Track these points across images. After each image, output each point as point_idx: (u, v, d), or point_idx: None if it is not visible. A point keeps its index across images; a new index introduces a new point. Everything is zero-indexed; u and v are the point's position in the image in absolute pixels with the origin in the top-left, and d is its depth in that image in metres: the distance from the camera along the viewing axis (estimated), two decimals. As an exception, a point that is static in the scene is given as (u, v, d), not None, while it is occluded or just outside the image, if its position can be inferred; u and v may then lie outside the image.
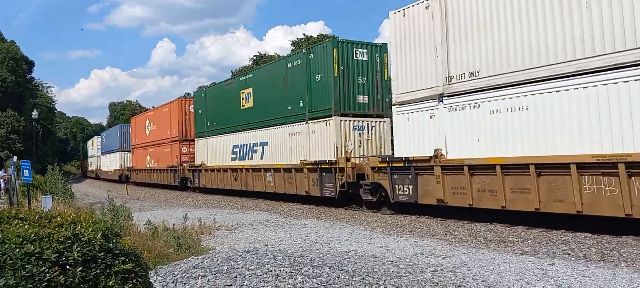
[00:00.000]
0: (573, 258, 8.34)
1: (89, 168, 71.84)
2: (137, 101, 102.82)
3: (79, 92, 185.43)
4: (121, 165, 49.39)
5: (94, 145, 66.95)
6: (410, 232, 11.86)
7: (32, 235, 3.82)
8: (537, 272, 7.23)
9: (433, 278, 6.95)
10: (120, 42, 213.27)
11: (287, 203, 20.00)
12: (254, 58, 55.16)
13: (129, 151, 47.47)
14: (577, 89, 10.29)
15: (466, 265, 7.85)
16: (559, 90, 10.62)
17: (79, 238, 3.95)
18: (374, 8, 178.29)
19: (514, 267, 7.59)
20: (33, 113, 40.78)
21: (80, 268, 3.75)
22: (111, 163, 53.67)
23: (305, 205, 18.96)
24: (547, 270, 7.35)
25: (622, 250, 8.69)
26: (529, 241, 10.02)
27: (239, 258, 8.03)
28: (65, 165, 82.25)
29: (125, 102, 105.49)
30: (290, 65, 20.71)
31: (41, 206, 10.83)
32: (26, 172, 12.73)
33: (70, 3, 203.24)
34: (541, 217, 11.42)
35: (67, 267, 3.73)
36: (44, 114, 57.42)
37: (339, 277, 6.78)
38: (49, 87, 66.95)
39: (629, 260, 8.07)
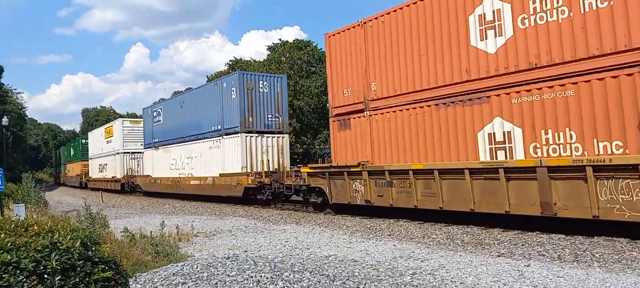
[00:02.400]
0: (548, 259, 8.52)
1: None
2: (111, 107, 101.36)
3: (50, 98, 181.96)
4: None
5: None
6: (389, 235, 11.95)
7: (9, 244, 3.76)
8: (514, 274, 7.37)
9: (412, 281, 7.03)
10: (92, 46, 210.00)
11: (266, 209, 19.95)
12: (230, 63, 54.84)
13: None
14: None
15: (444, 267, 7.96)
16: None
17: (57, 246, 3.90)
18: (349, 13, 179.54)
19: (491, 269, 7.72)
20: (3, 120, 39.81)
21: (59, 277, 3.71)
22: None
23: (284, 210, 18.94)
24: (524, 271, 7.50)
25: (595, 251, 8.92)
26: (505, 243, 10.20)
27: (219, 264, 7.99)
28: (37, 172, 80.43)
29: (98, 108, 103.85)
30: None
31: (14, 215, 10.58)
32: (-2, 180, 12.42)
33: (39, 7, 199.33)
34: (515, 219, 11.66)
35: (46, 276, 3.68)
36: (14, 121, 56.00)
37: (319, 282, 6.81)
38: (19, 93, 65.48)
39: (601, 260, 8.28)
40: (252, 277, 7.05)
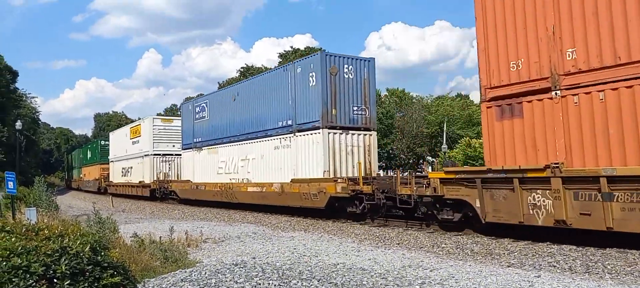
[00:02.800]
0: (559, 271, 8.43)
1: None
2: (122, 112, 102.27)
3: (63, 102, 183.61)
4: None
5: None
6: (398, 244, 11.90)
7: (19, 248, 3.79)
8: (524, 284, 7.29)
9: (421, 290, 6.98)
10: (106, 52, 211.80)
11: (275, 215, 19.94)
12: (241, 70, 55.18)
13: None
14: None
15: (453, 277, 7.89)
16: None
17: (67, 251, 3.93)
18: (361, 22, 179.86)
19: (500, 280, 7.65)
20: (17, 124, 40.24)
21: (68, 282, 3.73)
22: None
23: (293, 217, 18.93)
24: (534, 282, 7.41)
25: (607, 262, 8.81)
26: (515, 253, 10.11)
27: (227, 271, 8.00)
28: (49, 176, 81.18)
29: (111, 113, 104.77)
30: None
31: (26, 218, 10.67)
32: (10, 184, 12.55)
33: (54, 12, 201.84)
34: (528, 229, 11.55)
35: (55, 280, 3.71)
36: (28, 125, 56.70)
37: (327, 290, 6.78)
38: (33, 97, 66.15)
39: (614, 272, 8.18)
40: (259, 284, 7.05)
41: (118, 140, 42.38)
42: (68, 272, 3.77)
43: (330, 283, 7.25)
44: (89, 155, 55.85)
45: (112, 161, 43.87)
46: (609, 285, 7.28)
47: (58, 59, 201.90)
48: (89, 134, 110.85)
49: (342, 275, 8.01)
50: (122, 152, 40.47)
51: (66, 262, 3.81)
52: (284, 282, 7.16)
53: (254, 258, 9.85)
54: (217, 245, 12.12)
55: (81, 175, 60.61)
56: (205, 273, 7.92)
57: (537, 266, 8.83)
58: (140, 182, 35.14)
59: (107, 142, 48.38)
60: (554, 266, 8.77)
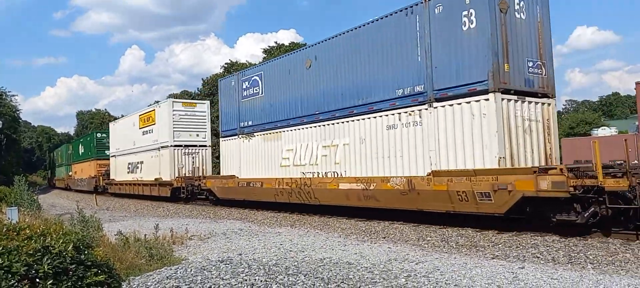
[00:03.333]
0: (542, 262, 8.55)
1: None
2: (105, 110, 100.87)
3: (44, 100, 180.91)
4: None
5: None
6: (384, 238, 11.96)
7: (0, 248, 3.73)
8: (508, 276, 7.38)
9: (407, 283, 7.03)
10: (88, 49, 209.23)
11: (261, 211, 19.91)
12: (225, 66, 54.84)
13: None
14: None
15: (439, 270, 7.96)
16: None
17: (49, 250, 3.88)
18: (345, 16, 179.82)
19: (485, 271, 7.73)
20: (-3, 122, 39.60)
21: (50, 281, 3.69)
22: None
23: (280, 213, 18.91)
24: (518, 274, 7.51)
25: (589, 253, 8.96)
26: (500, 245, 10.22)
27: (213, 268, 7.97)
28: (31, 175, 79.99)
29: (93, 110, 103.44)
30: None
31: (7, 218, 10.51)
32: (-10, 183, 12.33)
33: (34, 9, 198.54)
34: (506, 221, 11.69)
35: (37, 280, 3.66)
36: (8, 123, 55.74)
37: (314, 285, 6.80)
38: (13, 95, 64.93)
39: (595, 262, 8.32)
40: (246, 280, 7.03)
41: (122, 132, 36.17)
42: (51, 272, 3.73)
43: (317, 278, 7.26)
44: (81, 151, 49.53)
45: (113, 156, 37.86)
46: (591, 274, 7.41)
47: (39, 56, 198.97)
48: (72, 132, 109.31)
49: (328, 269, 8.02)
50: (127, 145, 34.49)
51: (48, 261, 3.76)
52: (270, 278, 7.16)
53: (240, 254, 9.83)
54: (203, 242, 12.06)
55: (70, 173, 54.60)
56: (191, 270, 7.88)
57: (521, 257, 8.94)
58: (156, 179, 29.22)
59: (104, 135, 42.89)
60: (538, 257, 8.90)
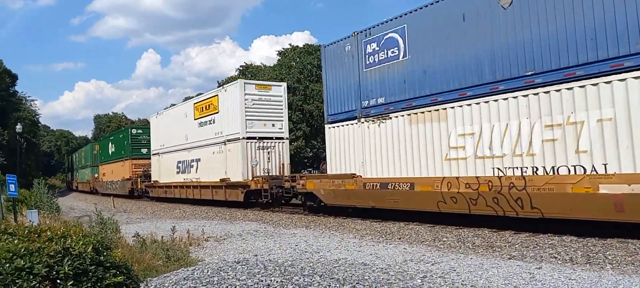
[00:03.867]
0: (560, 262, 8.45)
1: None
2: (122, 113, 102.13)
3: (63, 104, 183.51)
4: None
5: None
6: (400, 239, 11.92)
7: (22, 249, 3.82)
8: (525, 276, 7.32)
9: (423, 284, 7.01)
10: (105, 54, 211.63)
11: (276, 213, 19.97)
12: (240, 68, 55.11)
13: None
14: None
15: (455, 270, 7.92)
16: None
17: (70, 252, 3.96)
18: (360, 18, 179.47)
19: (502, 272, 7.68)
20: (17, 127, 40.30)
21: (71, 282, 3.76)
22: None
23: (294, 215, 18.94)
24: (535, 274, 7.44)
25: (607, 253, 8.84)
26: (517, 246, 10.13)
27: (229, 269, 8.03)
28: (50, 178, 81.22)
29: (110, 114, 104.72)
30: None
31: (28, 220, 10.71)
32: (12, 187, 12.59)
33: (53, 15, 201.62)
34: (528, 222, 11.58)
35: (58, 281, 3.73)
36: (28, 128, 56.69)
37: (330, 286, 6.81)
38: (33, 100, 66.12)
39: (614, 262, 8.20)
40: (262, 281, 7.07)
41: (168, 125, 30.64)
42: (71, 273, 3.80)
43: (332, 279, 7.27)
44: (111, 150, 43.80)
45: (156, 154, 32.29)
46: (610, 275, 7.31)
47: (57, 62, 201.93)
48: (89, 135, 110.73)
49: (343, 270, 8.03)
50: (177, 140, 28.85)
51: (69, 262, 3.84)
52: (286, 279, 7.19)
53: (256, 255, 9.88)
54: (219, 243, 12.15)
55: (97, 175, 49.12)
56: (208, 271, 7.95)
57: (539, 258, 8.85)
58: (222, 180, 23.74)
59: (140, 131, 38.94)
60: (555, 257, 8.80)
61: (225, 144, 23.86)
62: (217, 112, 24.65)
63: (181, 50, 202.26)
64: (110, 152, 44.14)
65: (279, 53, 47.21)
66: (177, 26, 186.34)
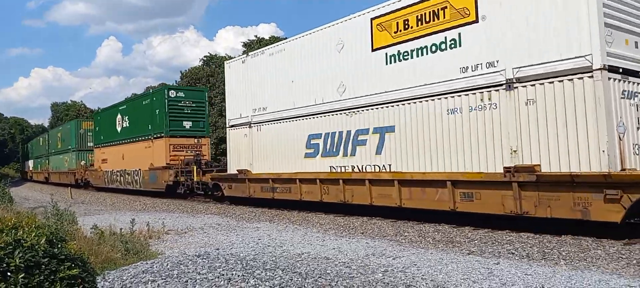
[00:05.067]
0: (517, 258, 8.69)
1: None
2: (82, 102, 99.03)
3: (17, 91, 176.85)
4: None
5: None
6: (362, 233, 12.01)
7: (-30, 241, 3.64)
8: (483, 271, 7.49)
9: (384, 278, 7.08)
10: (63, 40, 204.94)
11: (239, 206, 19.81)
12: (204, 58, 54.28)
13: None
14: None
15: (415, 265, 8.03)
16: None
17: (21, 243, 3.81)
18: (327, 11, 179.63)
19: (461, 267, 7.83)
20: (-33, 113, 38.55)
21: (22, 275, 3.62)
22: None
23: (258, 208, 18.84)
24: (493, 269, 7.62)
25: (562, 249, 9.14)
26: (476, 241, 10.36)
27: (190, 262, 7.91)
28: (2, 167, 78.20)
29: (69, 102, 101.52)
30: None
31: (-23, 211, 10.27)
32: (-40, 175, 12.01)
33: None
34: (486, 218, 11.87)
35: (8, 273, 3.59)
36: (-20, 114, 54.37)
37: (291, 279, 6.79)
38: (-15, 85, 63.33)
39: (568, 258, 8.49)
40: (223, 274, 6.99)
41: (283, 70, 17.79)
42: (22, 265, 3.66)
43: (294, 272, 7.26)
44: (122, 125, 30.69)
45: (245, 124, 19.53)
46: (564, 270, 7.56)
47: (11, 47, 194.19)
48: (46, 124, 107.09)
49: (306, 264, 8.03)
50: (314, 95, 16.40)
51: (20, 255, 3.69)
52: (247, 273, 7.13)
53: (218, 249, 9.77)
54: (179, 236, 11.96)
55: (88, 163, 38.67)
56: (167, 264, 7.81)
57: (497, 253, 9.07)
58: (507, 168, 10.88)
59: (182, 94, 26.52)
60: (513, 253, 9.04)
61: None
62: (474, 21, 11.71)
63: (143, 39, 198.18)
64: (119, 128, 31.32)
65: (245, 44, 46.77)
66: (140, 14, 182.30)
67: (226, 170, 21.05)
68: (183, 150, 25.87)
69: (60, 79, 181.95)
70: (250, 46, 43.24)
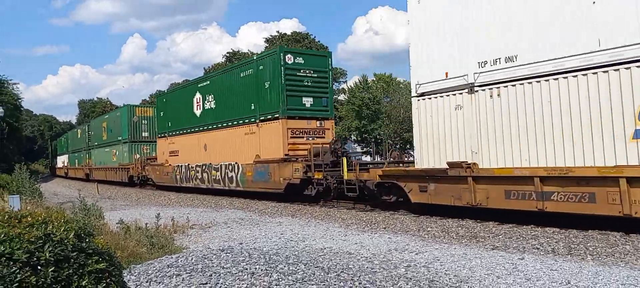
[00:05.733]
0: (542, 253, 8.56)
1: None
2: (107, 98, 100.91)
3: (46, 89, 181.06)
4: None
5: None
6: (385, 228, 11.98)
7: (2, 235, 3.75)
8: (508, 266, 7.40)
9: (407, 273, 7.05)
10: (89, 38, 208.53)
11: (263, 201, 19.94)
12: (227, 55, 54.67)
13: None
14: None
15: (438, 260, 7.99)
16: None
17: (51, 238, 3.89)
18: (348, 6, 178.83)
19: (485, 262, 7.75)
20: (-1, 111, 39.58)
21: (52, 269, 3.70)
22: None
23: (280, 203, 18.93)
24: (517, 264, 7.53)
25: (588, 244, 8.97)
26: (500, 236, 10.24)
27: (214, 256, 8.00)
28: (33, 163, 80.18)
29: (95, 99, 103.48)
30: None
31: (9, 206, 10.56)
32: (-8, 171, 12.35)
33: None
34: (512, 214, 11.71)
35: (39, 267, 3.67)
36: (10, 112, 55.72)
37: (314, 274, 6.82)
38: (15, 83, 64.81)
39: (595, 253, 8.33)
40: (246, 269, 7.06)
41: None
42: (52, 259, 3.74)
43: (317, 267, 7.29)
44: (204, 107, 24.12)
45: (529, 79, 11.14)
46: (591, 265, 7.43)
47: (39, 45, 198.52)
48: (73, 121, 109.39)
49: (328, 259, 8.05)
50: None
51: (50, 248, 3.78)
52: (270, 267, 7.18)
53: (241, 243, 9.87)
54: (203, 231, 12.10)
55: (141, 157, 33.09)
56: (192, 258, 7.91)
57: (521, 249, 8.96)
58: None
59: (301, 60, 19.29)
60: (538, 248, 8.91)
61: None
62: None
63: (167, 36, 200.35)
64: (199, 112, 24.58)
65: (267, 40, 46.96)
66: (163, 11, 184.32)
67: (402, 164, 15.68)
68: (303, 136, 19.03)
69: (87, 76, 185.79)
70: (273, 41, 43.38)
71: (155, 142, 30.84)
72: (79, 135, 51.44)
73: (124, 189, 33.16)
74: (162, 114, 29.30)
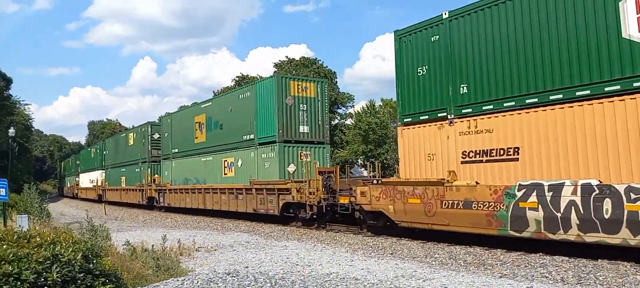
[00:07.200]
0: (551, 282, 8.45)
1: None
2: (117, 120, 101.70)
3: (57, 110, 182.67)
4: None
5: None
6: (391, 254, 11.89)
7: (10, 255, 3.78)
8: (516, 295, 7.30)
9: (414, 300, 6.98)
10: (100, 60, 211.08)
11: (268, 224, 19.89)
12: (237, 79, 55.16)
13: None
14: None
15: (446, 287, 7.90)
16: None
17: (59, 258, 3.92)
18: (356, 32, 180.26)
19: (493, 290, 7.66)
20: (10, 131, 40.04)
21: (59, 290, 3.72)
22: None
23: (286, 226, 18.87)
24: (526, 293, 7.43)
25: (598, 274, 8.85)
26: (508, 264, 10.13)
27: (220, 280, 7.97)
28: (41, 183, 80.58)
29: (105, 120, 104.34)
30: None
31: (17, 226, 10.61)
32: (2, 191, 12.47)
33: (48, 20, 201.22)
34: (520, 242, 11.59)
35: (46, 287, 3.69)
36: (21, 132, 56.32)
37: (320, 300, 6.77)
38: (27, 104, 65.66)
39: (605, 283, 8.21)
40: (252, 293, 7.02)
41: None
42: (59, 280, 3.77)
43: (323, 292, 7.24)
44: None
45: None
46: (601, 296, 7.31)
47: (52, 66, 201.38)
48: (83, 141, 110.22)
49: (335, 284, 7.99)
50: None
51: (58, 269, 3.81)
52: (276, 292, 7.15)
53: (247, 267, 9.82)
54: (209, 254, 12.07)
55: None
56: (198, 282, 7.89)
57: (530, 277, 8.85)
58: None
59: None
60: (546, 277, 8.80)
61: None
62: None
63: (177, 59, 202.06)
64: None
65: (276, 65, 47.33)
66: (173, 34, 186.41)
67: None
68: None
69: (97, 98, 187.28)
70: (281, 66, 43.76)
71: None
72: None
73: (130, 210, 33.24)
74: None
